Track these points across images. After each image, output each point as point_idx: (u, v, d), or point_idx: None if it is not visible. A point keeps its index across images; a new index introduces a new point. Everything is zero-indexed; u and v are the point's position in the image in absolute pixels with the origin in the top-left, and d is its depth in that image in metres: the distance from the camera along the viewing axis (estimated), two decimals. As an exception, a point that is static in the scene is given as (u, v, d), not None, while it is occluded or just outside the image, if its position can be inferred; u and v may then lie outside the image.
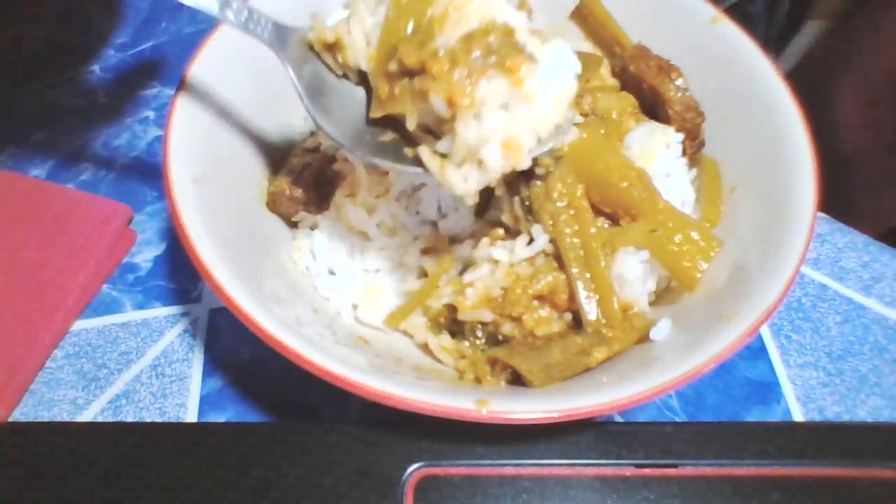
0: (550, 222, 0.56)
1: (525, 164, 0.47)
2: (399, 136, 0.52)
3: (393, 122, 0.51)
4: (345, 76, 0.55)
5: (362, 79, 0.54)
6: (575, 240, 0.56)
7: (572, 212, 0.56)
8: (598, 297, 0.55)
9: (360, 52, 0.51)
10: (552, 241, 0.57)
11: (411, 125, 0.48)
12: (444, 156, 0.48)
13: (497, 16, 0.46)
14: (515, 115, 0.45)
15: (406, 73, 0.47)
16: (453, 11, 0.46)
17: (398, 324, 0.61)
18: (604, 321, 0.55)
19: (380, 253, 0.63)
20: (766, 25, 1.23)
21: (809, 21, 1.17)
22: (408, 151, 0.51)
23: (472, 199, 0.48)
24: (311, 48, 0.54)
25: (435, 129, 0.48)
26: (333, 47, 0.53)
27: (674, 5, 0.69)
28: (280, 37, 0.53)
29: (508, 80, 0.44)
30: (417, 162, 0.49)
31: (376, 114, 0.51)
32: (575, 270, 0.55)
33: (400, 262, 0.63)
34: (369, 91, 0.53)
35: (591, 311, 0.55)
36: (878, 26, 0.97)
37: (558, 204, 0.56)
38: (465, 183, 0.47)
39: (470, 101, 0.43)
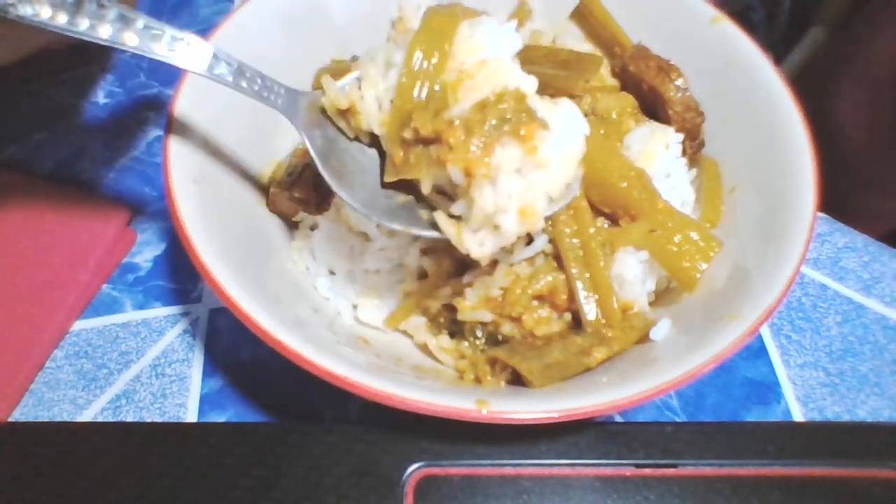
0: (549, 222, 0.56)
1: (539, 227, 0.48)
2: (412, 195, 0.53)
3: (406, 183, 0.52)
4: (356, 138, 0.55)
5: (374, 140, 0.54)
6: (574, 240, 0.56)
7: (571, 212, 0.56)
8: (597, 296, 0.55)
9: (373, 116, 0.51)
10: (551, 241, 0.57)
11: (426, 189, 0.49)
12: (458, 217, 0.49)
13: (508, 80, 0.47)
14: (529, 180, 0.46)
15: (421, 141, 0.47)
16: (466, 79, 0.47)
17: (398, 324, 0.61)
18: (603, 321, 0.55)
19: (380, 253, 0.63)
20: (766, 33, 1.23)
21: (812, 28, 1.17)
22: (422, 213, 0.52)
23: (486, 260, 0.50)
24: (323, 111, 0.54)
25: (448, 191, 0.49)
26: (346, 112, 0.53)
27: (674, 5, 0.69)
28: (292, 102, 0.53)
29: (523, 147, 0.45)
30: (432, 224, 0.50)
31: (390, 178, 0.51)
32: (574, 270, 0.55)
33: (400, 263, 0.63)
34: (381, 152, 0.54)
35: (590, 310, 0.55)
36: (878, 26, 0.97)
37: (557, 204, 0.56)
38: (480, 247, 0.48)
39: (486, 171, 0.44)
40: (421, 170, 0.48)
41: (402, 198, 0.53)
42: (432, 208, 0.51)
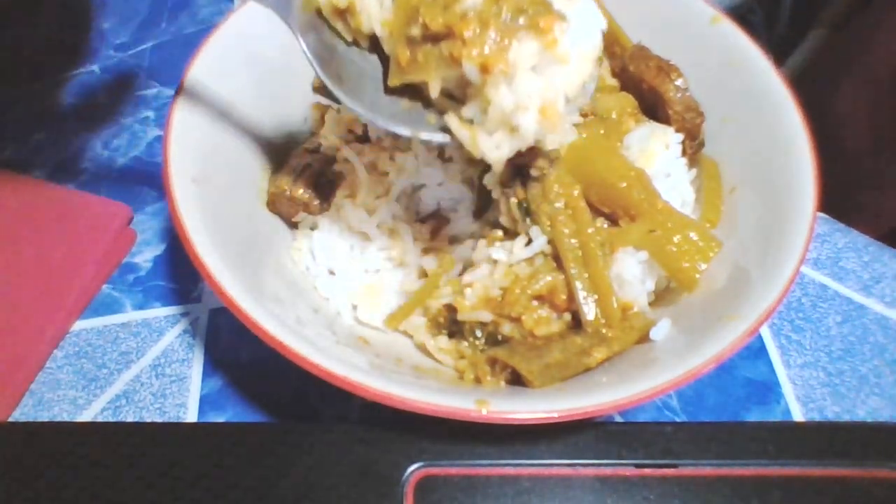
0: (548, 223, 0.56)
1: (560, 129, 0.45)
2: (418, 101, 0.50)
3: (410, 89, 0.49)
4: (354, 42, 0.52)
5: (374, 45, 0.51)
6: (573, 240, 0.56)
7: (570, 212, 0.56)
8: (596, 296, 0.55)
9: (374, 15, 0.48)
10: (550, 241, 0.57)
11: (434, 92, 0.46)
12: (470, 121, 0.46)
13: None
14: (548, 77, 0.44)
15: (430, 38, 0.44)
16: None
17: (398, 324, 0.61)
18: (603, 321, 0.55)
19: (380, 253, 0.63)
20: (766, 36, 1.23)
21: (812, 31, 1.17)
22: (430, 118, 0.49)
23: (500, 167, 0.47)
24: (319, 13, 0.51)
25: (457, 94, 0.46)
26: (344, 12, 0.50)
27: (674, 5, 0.69)
28: (285, 1, 0.50)
29: (541, 41, 0.42)
30: (442, 129, 0.47)
31: (395, 81, 0.48)
32: (573, 270, 0.55)
33: (400, 263, 0.63)
34: (382, 56, 0.51)
35: (589, 310, 0.55)
36: (879, 26, 0.97)
37: (556, 205, 0.56)
38: (497, 150, 0.45)
39: (504, 67, 0.42)
40: (430, 70, 0.45)
41: (406, 103, 0.50)
42: (441, 113, 0.48)
